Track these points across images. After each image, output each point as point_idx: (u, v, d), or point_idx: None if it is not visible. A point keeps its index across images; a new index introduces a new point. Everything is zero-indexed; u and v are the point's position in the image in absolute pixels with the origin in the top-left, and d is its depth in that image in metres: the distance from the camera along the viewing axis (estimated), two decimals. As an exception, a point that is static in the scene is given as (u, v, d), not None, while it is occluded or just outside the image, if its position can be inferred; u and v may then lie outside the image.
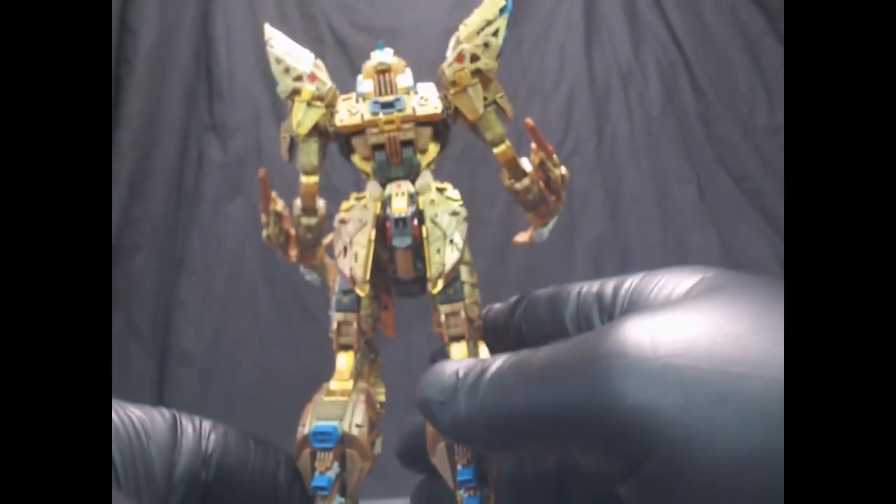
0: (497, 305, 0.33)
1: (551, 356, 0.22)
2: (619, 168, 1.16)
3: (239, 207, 1.11)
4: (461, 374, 0.25)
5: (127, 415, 0.25)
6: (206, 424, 0.27)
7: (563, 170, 0.35)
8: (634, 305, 0.25)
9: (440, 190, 0.32)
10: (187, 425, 0.27)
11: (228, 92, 1.14)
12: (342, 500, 0.27)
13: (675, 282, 0.24)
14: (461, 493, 0.28)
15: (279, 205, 0.36)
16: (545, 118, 1.12)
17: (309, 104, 0.33)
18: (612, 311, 0.27)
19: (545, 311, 0.30)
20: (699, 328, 0.19)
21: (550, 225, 0.36)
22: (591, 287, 0.28)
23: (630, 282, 0.26)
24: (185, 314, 1.09)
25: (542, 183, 0.34)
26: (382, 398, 0.32)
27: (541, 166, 0.34)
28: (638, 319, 0.21)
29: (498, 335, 0.32)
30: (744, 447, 0.17)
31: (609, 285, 0.27)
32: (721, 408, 0.17)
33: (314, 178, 0.33)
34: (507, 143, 0.33)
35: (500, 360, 0.24)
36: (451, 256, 0.30)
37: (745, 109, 1.18)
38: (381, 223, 0.31)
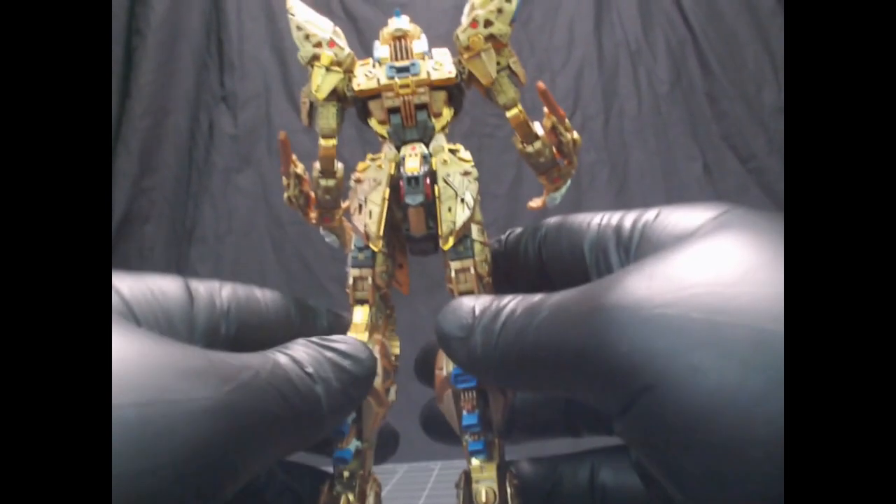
0: (518, 229, 0.34)
1: (560, 304, 0.23)
2: (626, 145, 1.17)
3: (249, 178, 1.12)
4: (478, 311, 0.26)
5: (142, 282, 0.26)
6: (215, 283, 0.29)
7: (575, 134, 0.36)
8: (648, 242, 0.26)
9: (453, 151, 0.33)
10: (198, 286, 0.28)
11: (239, 64, 1.15)
12: (358, 443, 0.29)
13: (688, 219, 0.25)
14: (466, 438, 0.30)
15: (299, 167, 0.37)
16: (553, 95, 1.12)
17: (328, 69, 0.34)
18: (628, 246, 0.28)
19: (565, 239, 0.31)
20: (693, 277, 0.21)
21: (563, 190, 0.37)
22: (610, 219, 0.29)
23: (647, 217, 0.28)
24: (195, 283, 1.11)
25: (553, 147, 0.35)
26: (397, 351, 0.33)
27: (552, 130, 0.35)
28: (638, 272, 0.22)
29: (518, 258, 0.33)
30: (722, 390, 0.19)
31: (628, 219, 0.28)
32: (704, 354, 0.19)
33: (332, 142, 0.34)
34: (520, 107, 0.34)
35: (513, 302, 0.25)
36: (461, 214, 0.31)
37: (753, 88, 1.18)
38: (395, 183, 0.32)
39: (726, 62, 1.18)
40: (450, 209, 0.32)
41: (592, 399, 0.22)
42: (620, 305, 0.21)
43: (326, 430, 0.26)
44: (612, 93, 1.17)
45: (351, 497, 0.28)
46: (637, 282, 0.22)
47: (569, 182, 0.37)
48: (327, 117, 0.34)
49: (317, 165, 0.35)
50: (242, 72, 1.14)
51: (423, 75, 0.33)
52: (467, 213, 0.32)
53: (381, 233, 0.32)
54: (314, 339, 0.26)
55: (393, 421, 0.34)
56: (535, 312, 0.24)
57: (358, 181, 0.33)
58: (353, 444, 0.29)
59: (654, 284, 0.21)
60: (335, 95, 0.34)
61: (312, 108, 0.34)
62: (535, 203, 0.38)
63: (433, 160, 0.33)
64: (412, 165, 0.32)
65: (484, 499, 0.29)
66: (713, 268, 0.21)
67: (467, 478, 0.30)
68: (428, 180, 0.32)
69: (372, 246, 0.32)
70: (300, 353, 0.25)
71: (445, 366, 0.30)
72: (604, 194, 1.14)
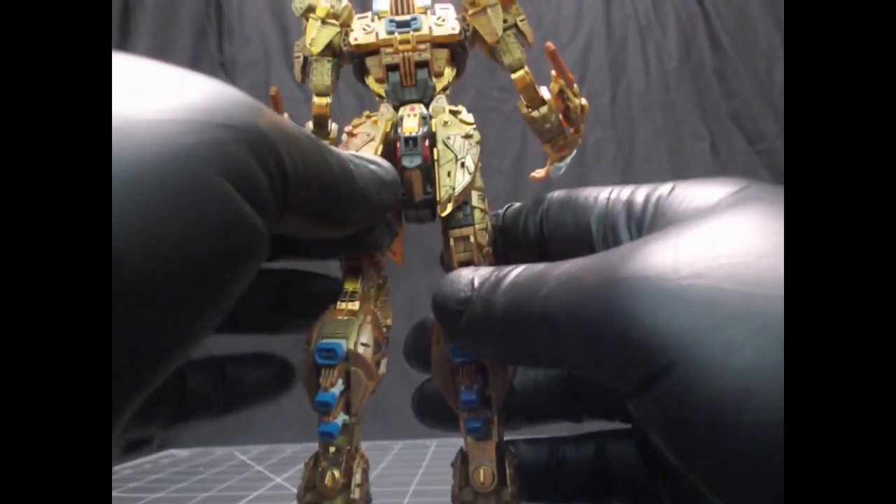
0: (517, 204, 0.32)
1: (571, 272, 0.21)
2: (633, 122, 1.14)
3: (247, 147, 1.11)
4: (477, 283, 0.24)
5: None
6: None
7: (583, 100, 0.34)
8: (663, 216, 0.25)
9: (454, 112, 0.31)
10: None
11: (239, 29, 1.12)
12: (346, 417, 0.27)
13: (708, 193, 0.23)
14: (464, 415, 0.28)
15: (291, 125, 0.35)
16: (560, 68, 1.11)
17: (323, 22, 0.32)
18: (640, 221, 0.26)
19: (569, 213, 0.29)
20: (724, 247, 0.19)
21: (568, 160, 0.35)
22: (620, 193, 0.27)
23: (661, 191, 0.26)
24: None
25: (560, 114, 0.33)
26: (389, 322, 0.32)
27: (560, 95, 0.33)
28: (662, 240, 0.20)
29: (517, 234, 0.31)
30: (757, 368, 0.17)
31: (640, 193, 0.26)
32: (737, 329, 0.17)
33: (326, 100, 0.32)
34: (526, 68, 0.32)
35: (517, 271, 0.23)
36: (461, 179, 0.29)
37: (764, 67, 1.16)
38: (391, 143, 0.30)
39: (737, 39, 1.16)
40: (449, 173, 0.30)
41: (604, 377, 0.20)
42: (643, 276, 0.19)
43: (353, 209, 0.25)
44: (620, 68, 1.15)
45: (337, 474, 0.27)
46: (661, 251, 0.20)
47: (574, 152, 0.35)
48: (322, 73, 0.32)
49: (309, 125, 0.33)
50: (242, 37, 1.12)
51: (425, 31, 0.31)
52: (468, 178, 0.30)
53: None
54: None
55: (387, 398, 0.32)
56: (540, 283, 0.22)
57: (350, 134, 0.31)
58: (341, 419, 0.27)
59: (680, 254, 0.19)
60: (331, 50, 0.32)
61: (306, 63, 0.33)
62: (539, 173, 0.37)
63: (433, 122, 0.31)
64: (410, 125, 0.30)
65: (482, 479, 0.27)
66: (745, 238, 0.19)
67: (464, 457, 0.28)
68: (427, 142, 0.30)
69: None
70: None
71: (443, 339, 0.29)
72: (609, 172, 1.12)
